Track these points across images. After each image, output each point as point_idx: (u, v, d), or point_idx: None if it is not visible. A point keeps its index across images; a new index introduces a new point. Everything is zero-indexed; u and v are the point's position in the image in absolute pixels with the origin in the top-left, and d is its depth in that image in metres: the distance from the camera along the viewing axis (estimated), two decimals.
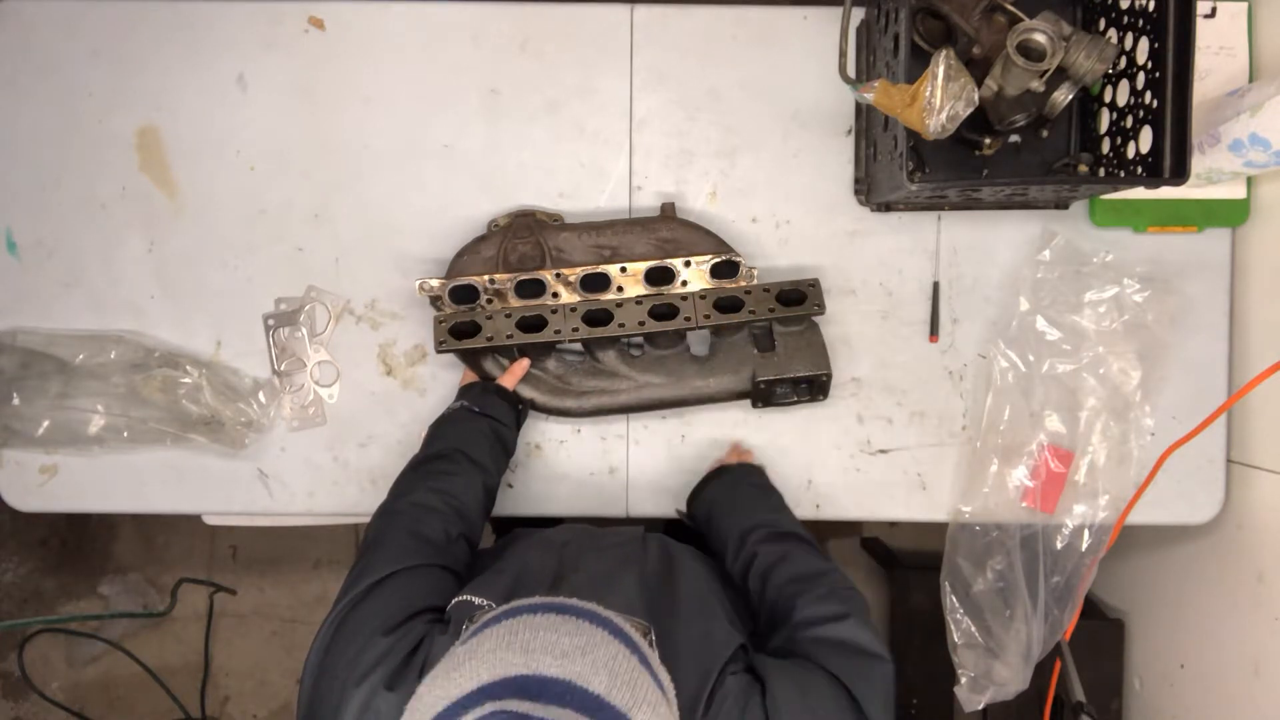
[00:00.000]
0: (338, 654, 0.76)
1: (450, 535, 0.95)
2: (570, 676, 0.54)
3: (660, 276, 1.17)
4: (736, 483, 1.14)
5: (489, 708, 0.52)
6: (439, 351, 1.15)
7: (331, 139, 1.24)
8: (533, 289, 1.16)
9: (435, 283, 1.16)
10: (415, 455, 1.09)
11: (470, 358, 1.20)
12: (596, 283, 1.17)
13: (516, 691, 0.53)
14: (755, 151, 1.24)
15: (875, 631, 0.84)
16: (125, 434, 1.22)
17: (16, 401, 1.21)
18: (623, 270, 1.16)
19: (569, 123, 1.24)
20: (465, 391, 1.18)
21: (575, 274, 1.16)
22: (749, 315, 1.15)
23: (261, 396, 1.24)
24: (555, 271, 1.16)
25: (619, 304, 1.15)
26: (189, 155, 1.24)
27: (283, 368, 1.24)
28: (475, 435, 1.09)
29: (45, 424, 1.22)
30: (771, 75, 1.24)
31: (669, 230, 1.19)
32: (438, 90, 1.24)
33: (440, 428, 1.12)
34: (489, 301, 1.16)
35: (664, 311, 1.16)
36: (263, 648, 2.23)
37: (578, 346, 1.21)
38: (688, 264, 1.17)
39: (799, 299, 1.17)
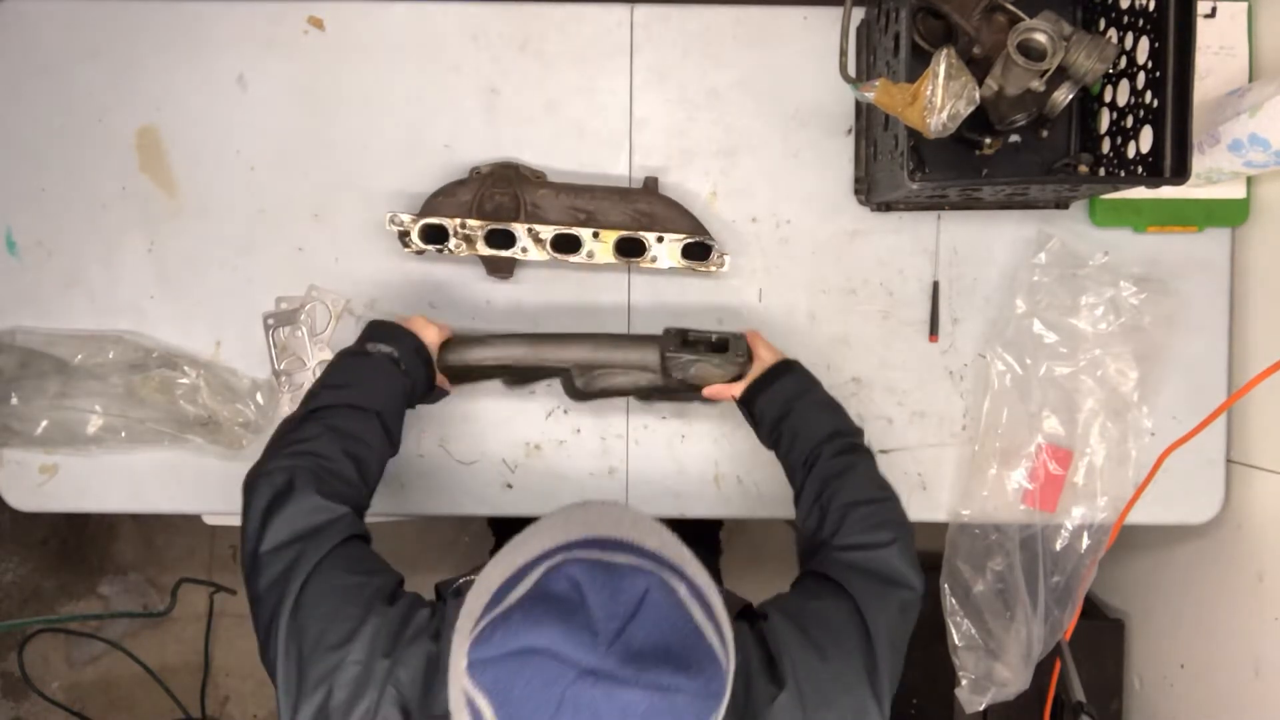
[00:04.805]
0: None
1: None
2: (629, 537, 0.65)
3: (631, 248, 1.18)
4: (810, 384, 1.11)
5: (560, 557, 0.62)
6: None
7: (331, 139, 1.24)
8: (503, 240, 1.17)
9: (406, 218, 1.17)
10: (317, 393, 0.98)
11: None
12: (568, 244, 1.18)
13: (584, 546, 0.63)
14: (755, 151, 1.24)
15: (913, 561, 0.90)
16: (123, 434, 1.22)
17: (15, 401, 1.21)
18: (595, 236, 1.17)
19: (569, 123, 1.24)
20: (388, 335, 1.04)
21: (548, 231, 1.17)
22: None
23: (259, 397, 1.24)
24: (528, 226, 1.17)
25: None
26: (189, 155, 1.24)
27: (283, 366, 1.24)
28: (393, 397, 1.01)
29: (43, 424, 1.21)
30: (771, 75, 1.24)
31: (647, 203, 1.20)
32: (438, 90, 1.24)
33: (357, 368, 1.01)
34: (458, 245, 1.17)
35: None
36: None
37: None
38: (660, 239, 1.17)
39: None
